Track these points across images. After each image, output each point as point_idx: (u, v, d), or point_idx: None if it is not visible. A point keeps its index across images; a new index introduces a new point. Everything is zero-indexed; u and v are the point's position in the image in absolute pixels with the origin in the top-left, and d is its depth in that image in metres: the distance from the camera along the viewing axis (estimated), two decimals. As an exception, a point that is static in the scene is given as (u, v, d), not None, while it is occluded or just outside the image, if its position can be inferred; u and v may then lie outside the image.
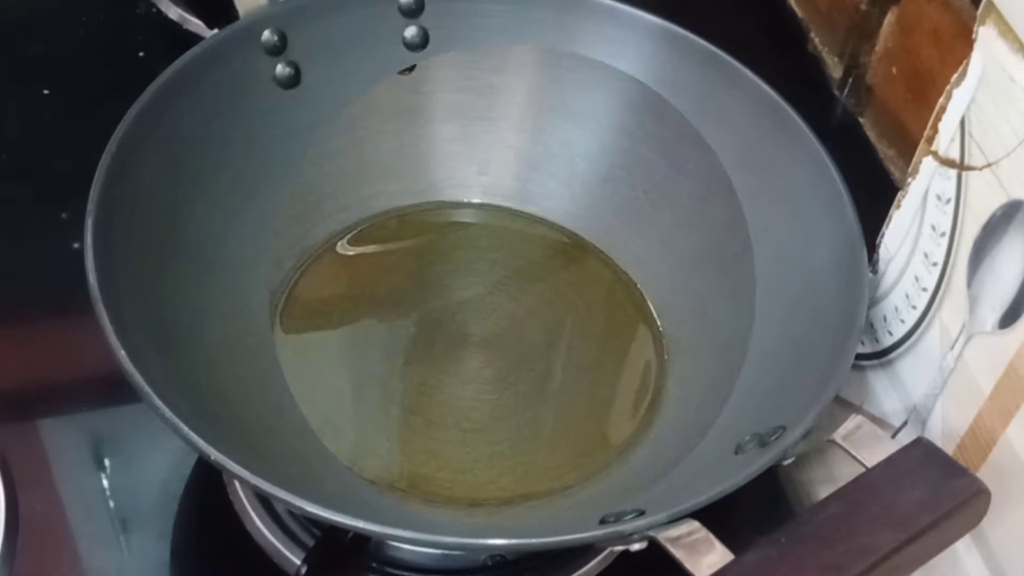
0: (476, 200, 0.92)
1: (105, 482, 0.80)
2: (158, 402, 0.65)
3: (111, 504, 0.79)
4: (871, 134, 0.96)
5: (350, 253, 0.88)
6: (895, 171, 0.92)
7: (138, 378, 0.65)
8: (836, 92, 1.00)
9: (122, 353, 0.66)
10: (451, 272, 0.89)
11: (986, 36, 0.65)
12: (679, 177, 0.87)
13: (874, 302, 0.77)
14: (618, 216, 0.89)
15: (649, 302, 0.87)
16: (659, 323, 0.86)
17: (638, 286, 0.88)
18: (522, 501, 0.77)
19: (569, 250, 0.91)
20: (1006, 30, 0.63)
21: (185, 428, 0.64)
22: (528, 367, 0.84)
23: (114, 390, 0.76)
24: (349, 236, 0.89)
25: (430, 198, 0.91)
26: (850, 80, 0.98)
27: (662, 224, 0.88)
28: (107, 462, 0.81)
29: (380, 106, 0.89)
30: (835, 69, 1.00)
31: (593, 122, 0.90)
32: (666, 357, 0.85)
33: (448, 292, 0.87)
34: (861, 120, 0.97)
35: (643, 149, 0.88)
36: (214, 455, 0.64)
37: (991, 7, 0.64)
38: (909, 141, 0.88)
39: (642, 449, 0.80)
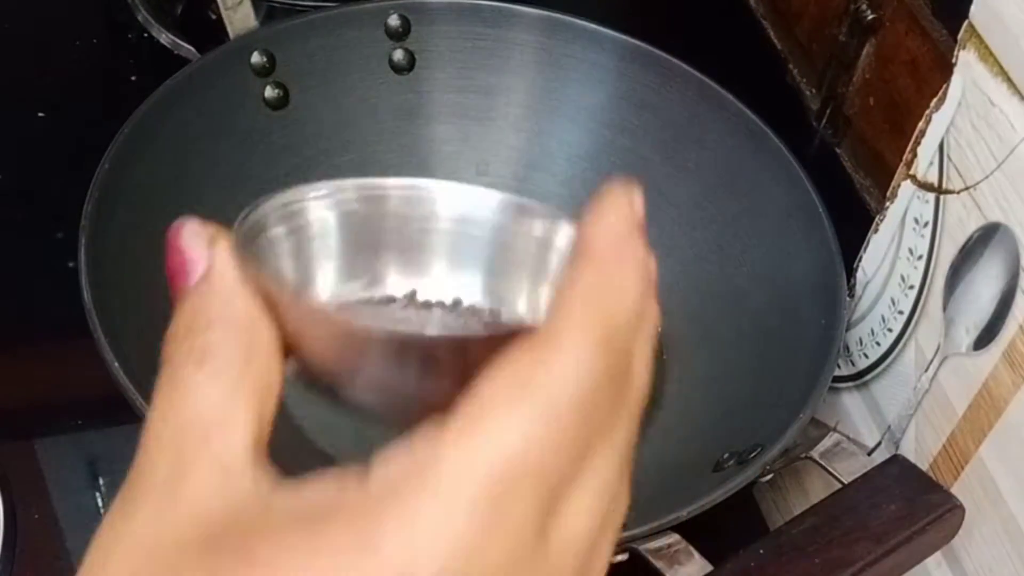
0: (475, 200, 0.91)
1: (99, 497, 0.81)
2: (152, 414, 0.65)
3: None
4: (848, 164, 0.97)
5: (349, 253, 0.88)
6: (871, 201, 0.93)
7: (132, 391, 0.66)
8: (814, 123, 1.00)
9: (116, 365, 0.67)
10: (450, 272, 0.88)
11: (966, 60, 0.66)
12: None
13: (851, 325, 0.77)
14: (618, 216, 0.89)
15: (647, 301, 0.87)
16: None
17: (637, 285, 0.87)
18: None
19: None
20: (986, 55, 0.64)
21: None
22: (529, 367, 0.83)
23: (109, 409, 0.78)
24: (348, 236, 0.88)
25: (429, 198, 0.91)
26: (828, 111, 0.99)
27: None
28: (101, 479, 0.82)
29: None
30: (813, 100, 1.01)
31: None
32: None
33: (447, 291, 0.87)
34: (838, 150, 0.98)
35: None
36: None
37: (972, 32, 0.65)
38: (886, 171, 0.89)
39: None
